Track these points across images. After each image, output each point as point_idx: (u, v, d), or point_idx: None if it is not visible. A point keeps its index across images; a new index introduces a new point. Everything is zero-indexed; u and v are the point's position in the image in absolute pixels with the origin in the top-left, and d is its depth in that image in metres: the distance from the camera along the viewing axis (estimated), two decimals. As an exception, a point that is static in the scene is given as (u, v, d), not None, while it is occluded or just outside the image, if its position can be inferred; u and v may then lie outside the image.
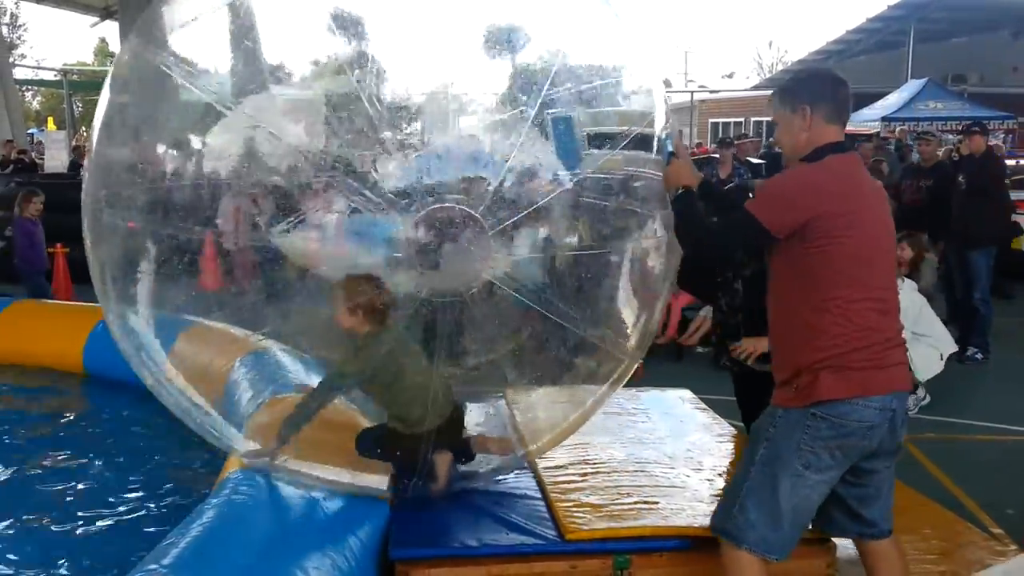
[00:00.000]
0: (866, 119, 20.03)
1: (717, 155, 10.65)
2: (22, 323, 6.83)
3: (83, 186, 3.36)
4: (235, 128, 3.21)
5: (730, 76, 53.97)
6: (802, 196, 2.70)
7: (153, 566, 2.58)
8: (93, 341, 6.19)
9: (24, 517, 4.13)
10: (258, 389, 4.76)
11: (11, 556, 3.77)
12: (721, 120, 30.73)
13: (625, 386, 3.72)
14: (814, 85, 2.87)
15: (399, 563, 3.04)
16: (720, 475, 3.69)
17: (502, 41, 3.22)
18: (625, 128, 3.27)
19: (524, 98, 3.12)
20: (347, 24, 3.17)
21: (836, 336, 2.68)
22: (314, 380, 4.77)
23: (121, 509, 4.30)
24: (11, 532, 4.00)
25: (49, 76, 33.53)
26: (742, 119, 28.45)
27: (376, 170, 3.06)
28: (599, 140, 3.36)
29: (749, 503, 2.76)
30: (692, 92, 26.86)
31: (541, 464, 3.73)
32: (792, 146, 2.87)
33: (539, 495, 3.50)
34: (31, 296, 7.99)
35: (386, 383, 3.30)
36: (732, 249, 2.97)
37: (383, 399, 3.41)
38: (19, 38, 41.73)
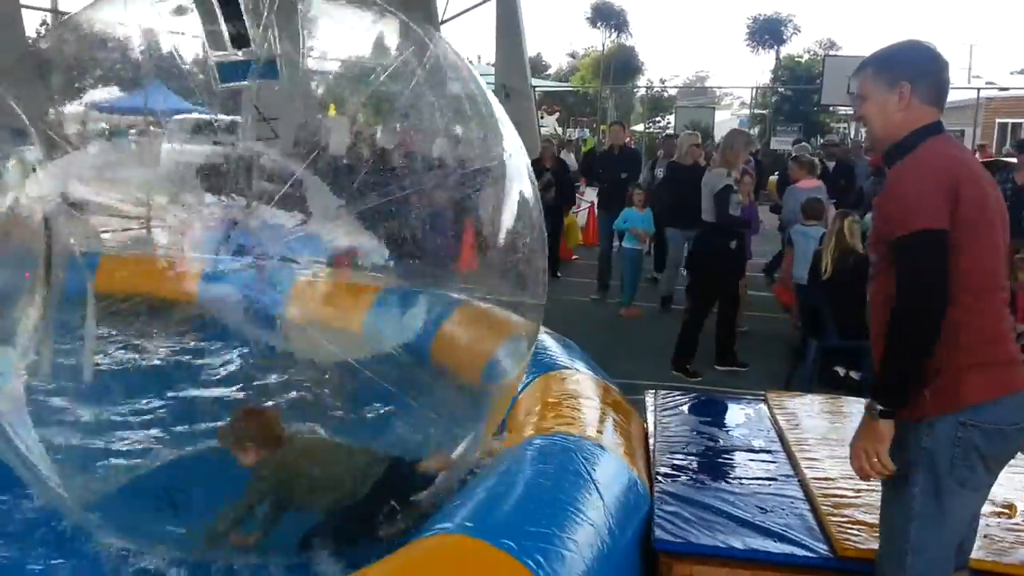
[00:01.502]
0: None
1: (1014, 159, 9.68)
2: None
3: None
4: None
5: (1022, 72, 48.67)
6: (943, 185, 2.39)
7: (445, 524, 2.79)
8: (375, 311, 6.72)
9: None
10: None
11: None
12: (1011, 120, 27.84)
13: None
14: (916, 59, 2.55)
15: (663, 554, 3.07)
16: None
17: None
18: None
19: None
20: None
21: (977, 331, 2.39)
22: (577, 364, 4.94)
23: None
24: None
25: (332, 67, 36.48)
26: (1036, 119, 25.66)
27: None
28: None
29: (923, 542, 2.46)
30: (978, 89, 24.47)
31: (809, 474, 3.61)
32: (884, 127, 2.56)
33: (807, 506, 3.39)
34: None
35: (308, 483, 3.40)
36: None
37: (311, 496, 3.44)
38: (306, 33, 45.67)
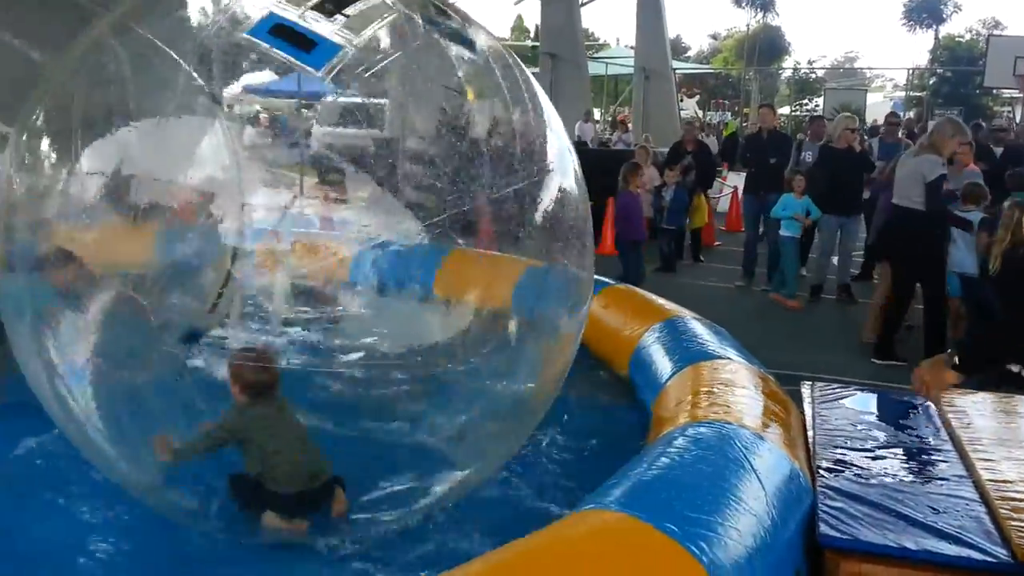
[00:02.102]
0: None
1: None
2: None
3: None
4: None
5: None
6: None
7: (603, 501, 2.81)
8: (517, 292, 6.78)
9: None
10: (673, 355, 4.91)
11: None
12: None
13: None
14: None
15: (830, 550, 2.97)
16: None
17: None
18: None
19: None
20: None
21: None
22: (729, 351, 4.84)
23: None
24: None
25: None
26: None
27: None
28: None
29: None
30: None
31: (985, 475, 3.42)
32: None
33: (983, 508, 3.21)
34: (625, 270, 8.29)
35: (258, 449, 3.40)
36: None
37: (253, 459, 3.44)
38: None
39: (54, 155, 3.32)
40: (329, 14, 3.11)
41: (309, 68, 3.06)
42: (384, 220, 3.63)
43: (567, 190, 3.56)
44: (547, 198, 3.48)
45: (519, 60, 3.73)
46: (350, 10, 3.15)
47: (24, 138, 3.31)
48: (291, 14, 3.10)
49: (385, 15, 3.27)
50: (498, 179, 3.41)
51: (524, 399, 3.71)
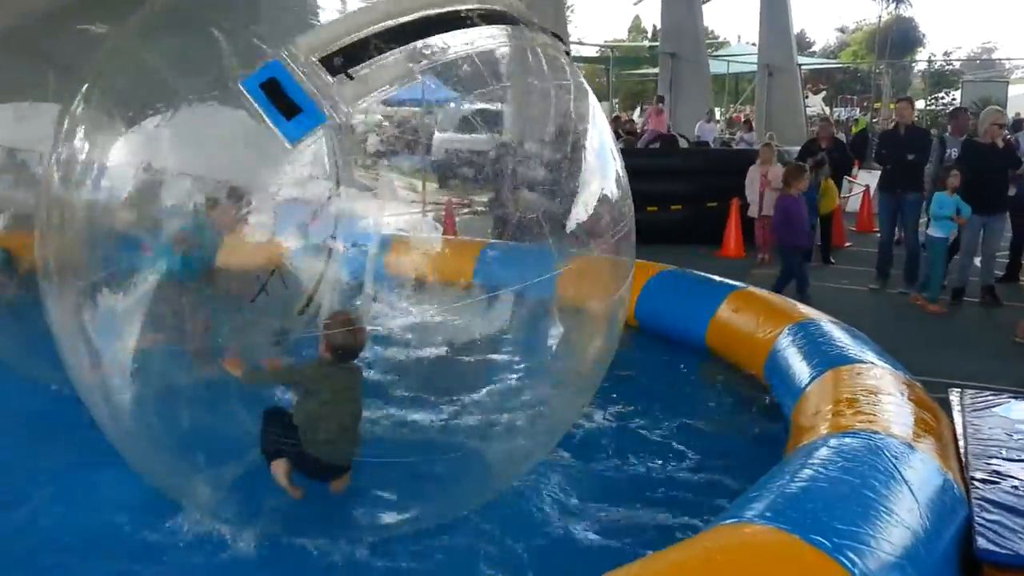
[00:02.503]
0: None
1: None
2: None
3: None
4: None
5: None
6: None
7: (744, 514, 2.77)
8: (645, 294, 6.75)
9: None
10: (811, 359, 4.78)
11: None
12: None
13: None
14: None
15: (988, 565, 2.85)
16: None
17: None
18: None
19: None
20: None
21: None
22: (869, 356, 4.67)
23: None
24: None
25: (589, 52, 36.93)
26: None
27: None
28: None
29: None
30: None
31: None
32: None
33: None
34: (784, 272, 7.95)
35: (314, 403, 3.47)
36: None
37: (303, 411, 3.48)
38: (567, 18, 46.70)
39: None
40: (335, 71, 2.90)
41: (281, 136, 2.85)
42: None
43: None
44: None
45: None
46: (363, 69, 2.93)
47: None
48: (296, 66, 2.88)
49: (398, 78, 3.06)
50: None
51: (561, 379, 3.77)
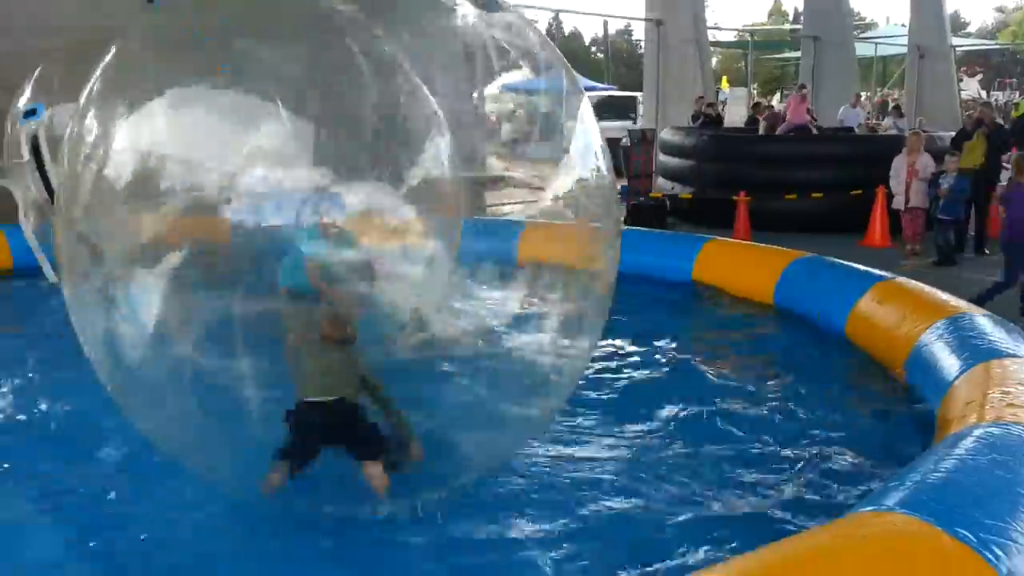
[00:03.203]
0: None
1: None
2: (723, 260, 7.68)
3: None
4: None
5: None
6: None
7: (884, 503, 2.72)
8: (784, 280, 6.73)
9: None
10: (961, 354, 4.60)
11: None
12: None
13: None
14: None
15: None
16: None
17: None
18: None
19: None
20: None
21: None
22: (1021, 349, 4.45)
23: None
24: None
25: (727, 37, 36.11)
26: None
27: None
28: None
29: None
30: None
31: None
32: None
33: None
34: (1006, 277, 7.33)
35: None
36: None
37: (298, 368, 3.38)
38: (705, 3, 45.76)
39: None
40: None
41: None
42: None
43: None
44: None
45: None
46: None
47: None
48: None
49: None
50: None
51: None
